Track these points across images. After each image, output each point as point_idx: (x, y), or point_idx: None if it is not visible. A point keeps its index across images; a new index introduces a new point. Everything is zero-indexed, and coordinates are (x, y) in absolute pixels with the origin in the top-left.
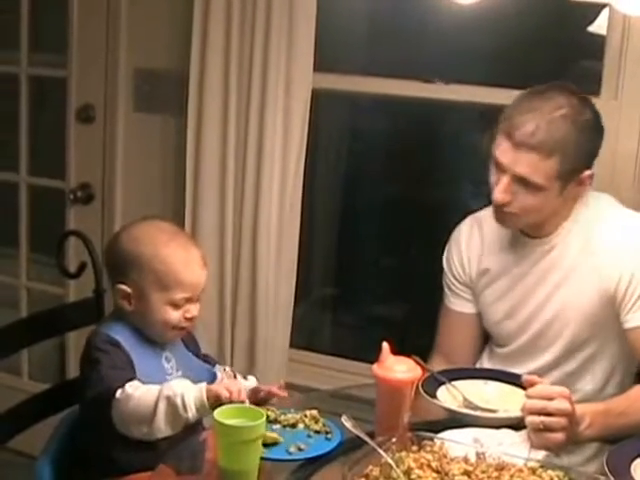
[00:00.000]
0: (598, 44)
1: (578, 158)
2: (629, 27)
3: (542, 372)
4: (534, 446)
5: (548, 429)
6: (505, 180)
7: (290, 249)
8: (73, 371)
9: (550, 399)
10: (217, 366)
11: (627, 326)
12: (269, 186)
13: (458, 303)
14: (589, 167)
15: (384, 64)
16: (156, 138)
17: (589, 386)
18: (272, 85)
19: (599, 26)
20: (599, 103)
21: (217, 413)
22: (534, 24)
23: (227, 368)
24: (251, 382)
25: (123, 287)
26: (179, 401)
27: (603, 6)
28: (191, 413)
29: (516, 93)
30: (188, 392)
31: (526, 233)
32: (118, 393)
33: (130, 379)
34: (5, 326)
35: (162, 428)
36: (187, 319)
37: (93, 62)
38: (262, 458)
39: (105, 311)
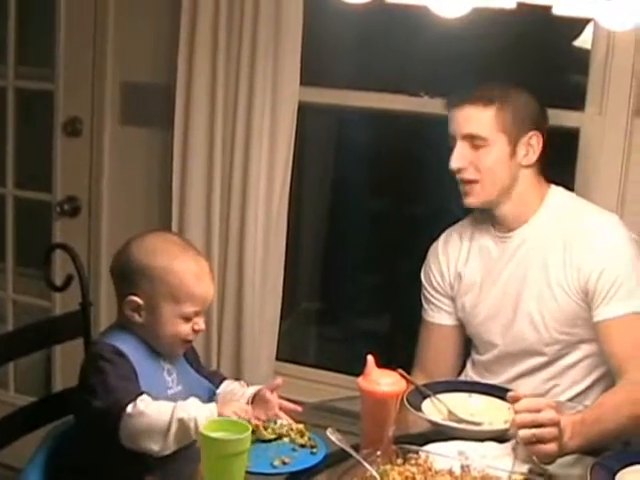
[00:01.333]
0: (583, 59)
1: (518, 113)
2: (614, 42)
3: (523, 376)
4: (525, 458)
5: (540, 441)
6: (457, 146)
7: (276, 263)
8: (60, 384)
9: (538, 411)
10: (225, 381)
11: (595, 320)
12: (255, 199)
13: (437, 316)
14: (536, 129)
15: (370, 78)
16: (143, 151)
17: (574, 386)
18: (258, 98)
19: (584, 41)
20: (584, 118)
21: (204, 426)
22: (519, 38)
23: (242, 382)
24: (254, 388)
25: (134, 298)
26: (192, 425)
27: (588, 21)
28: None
29: None
30: (201, 415)
31: (498, 227)
32: (129, 408)
33: (140, 393)
34: None
35: (172, 447)
36: (195, 331)
37: (80, 75)
38: (246, 472)
39: (92, 324)
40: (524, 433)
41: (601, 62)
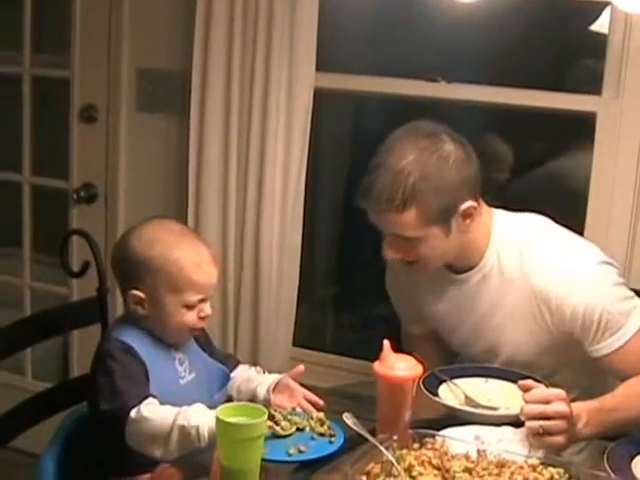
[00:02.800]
0: (600, 43)
1: (441, 198)
2: (631, 26)
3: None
4: (534, 447)
5: (548, 433)
6: (387, 240)
7: (293, 248)
8: (76, 370)
9: (547, 402)
10: (240, 366)
11: (595, 355)
12: (271, 185)
13: (412, 326)
14: (467, 199)
15: (386, 63)
16: (159, 138)
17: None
18: (274, 85)
19: (601, 25)
20: (600, 102)
21: (219, 411)
22: (536, 23)
23: (258, 367)
24: (276, 377)
25: (136, 292)
26: (193, 432)
27: (605, 5)
28: (204, 442)
29: (518, 92)
30: (203, 423)
31: (453, 270)
32: (133, 412)
33: (146, 396)
34: (8, 325)
35: (174, 453)
36: (201, 318)
37: (96, 62)
38: (262, 459)
39: (109, 310)
40: (531, 424)
41: (618, 46)
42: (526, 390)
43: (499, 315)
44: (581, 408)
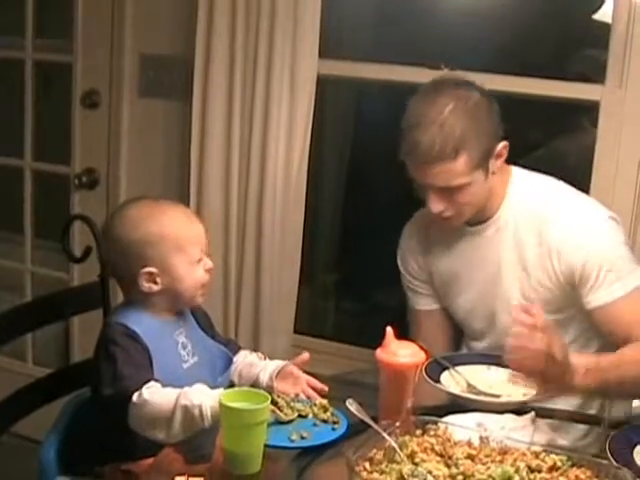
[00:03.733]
0: (603, 32)
1: (484, 141)
2: (634, 15)
3: None
4: (544, 431)
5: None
6: (433, 195)
7: (294, 235)
8: (77, 356)
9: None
10: (241, 352)
11: (589, 307)
12: (274, 172)
13: (421, 302)
14: (500, 140)
15: (390, 50)
16: (161, 123)
17: None
18: (277, 71)
19: (604, 14)
20: (604, 91)
21: (223, 396)
22: (540, 11)
23: (260, 353)
24: (278, 363)
25: (147, 269)
26: (197, 412)
27: None
28: (207, 422)
29: (521, 80)
30: (205, 403)
31: (468, 222)
32: (135, 396)
33: (147, 380)
34: (9, 310)
35: (177, 435)
36: (207, 271)
37: (98, 47)
38: (264, 445)
39: (110, 295)
40: (510, 357)
41: (621, 35)
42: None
43: (510, 267)
44: (580, 360)
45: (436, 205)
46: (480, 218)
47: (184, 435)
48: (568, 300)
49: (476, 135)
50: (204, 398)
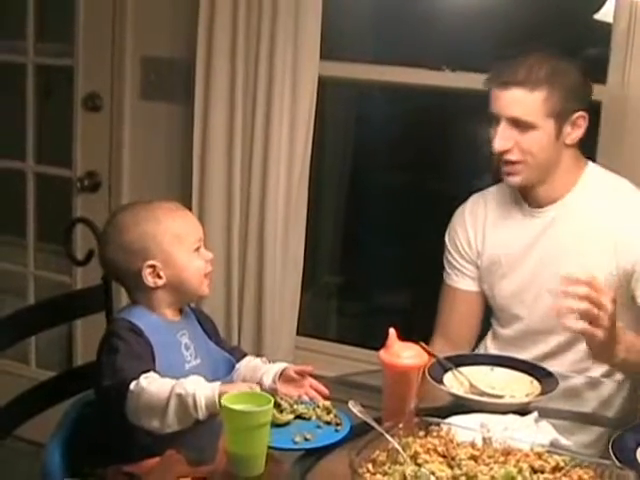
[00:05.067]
0: (605, 31)
1: (566, 95)
2: (636, 14)
3: (550, 356)
4: (547, 431)
5: (590, 321)
6: (501, 127)
7: (297, 237)
8: (81, 359)
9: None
10: (247, 357)
11: None
12: (276, 174)
13: (461, 281)
14: (582, 109)
15: (391, 52)
16: (163, 126)
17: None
18: (279, 73)
19: (606, 13)
20: (605, 90)
21: (225, 398)
22: (541, 11)
23: (264, 358)
24: (281, 365)
25: (150, 262)
26: (190, 400)
27: None
28: (201, 413)
29: None
30: (200, 392)
31: (530, 203)
32: (132, 385)
33: (146, 370)
34: (12, 313)
35: (172, 424)
36: (208, 261)
37: (100, 51)
38: (268, 446)
39: (113, 298)
40: (581, 305)
41: (623, 35)
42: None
43: (564, 255)
44: (627, 335)
45: (501, 139)
46: (546, 200)
47: (178, 425)
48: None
49: (562, 85)
50: (199, 387)
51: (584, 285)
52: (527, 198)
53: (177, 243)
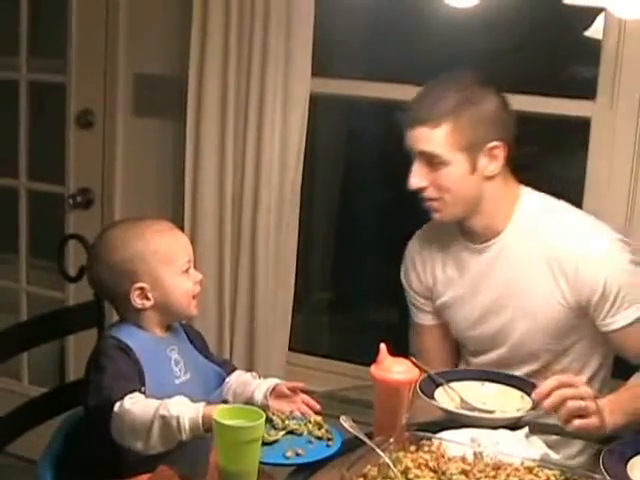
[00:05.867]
0: (594, 49)
1: (476, 126)
2: (625, 32)
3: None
4: (538, 446)
5: (583, 415)
6: (415, 164)
7: (288, 253)
8: (73, 375)
9: (574, 386)
10: (237, 371)
11: (609, 329)
12: (267, 191)
13: (424, 317)
14: (496, 139)
15: (382, 68)
16: (155, 143)
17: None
18: (270, 90)
19: (595, 31)
20: (594, 108)
21: (217, 413)
22: (531, 28)
23: (254, 373)
24: (272, 381)
25: (139, 285)
26: (174, 423)
27: (600, 11)
28: (185, 434)
29: (513, 97)
30: (184, 414)
31: (471, 239)
32: (116, 406)
33: (132, 390)
34: (5, 330)
35: (156, 445)
36: (197, 283)
37: (92, 67)
38: (259, 462)
39: (106, 314)
40: (572, 404)
41: (612, 52)
42: (542, 397)
43: (515, 288)
44: (600, 402)
45: (415, 177)
46: (486, 235)
47: (162, 447)
48: (573, 325)
49: (469, 116)
50: (183, 409)
51: (562, 384)
52: (466, 234)
53: (166, 265)
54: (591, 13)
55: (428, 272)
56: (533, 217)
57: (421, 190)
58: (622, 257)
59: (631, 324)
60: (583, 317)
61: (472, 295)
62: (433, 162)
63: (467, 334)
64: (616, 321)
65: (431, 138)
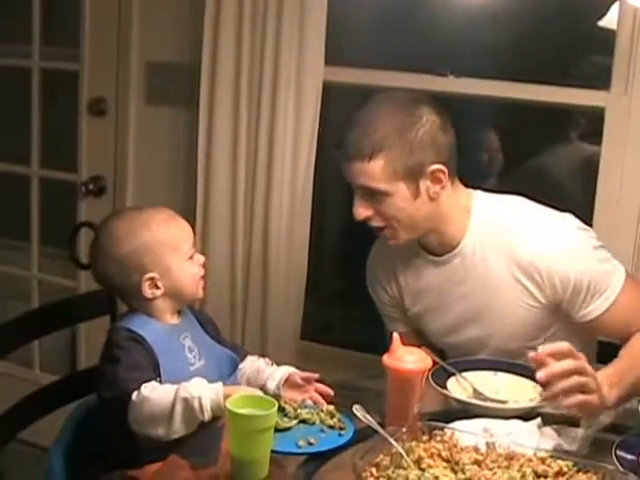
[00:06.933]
0: (609, 39)
1: (410, 154)
2: (639, 21)
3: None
4: (551, 436)
5: (584, 391)
6: (356, 197)
7: (301, 241)
8: (84, 362)
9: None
10: (249, 357)
11: (586, 319)
12: (280, 179)
13: (397, 326)
14: (436, 162)
15: (395, 57)
16: (167, 131)
17: None
18: (283, 78)
19: (609, 20)
20: (609, 97)
21: (229, 402)
22: (545, 18)
23: (267, 359)
24: (286, 370)
25: (149, 275)
26: (196, 403)
27: (614, 0)
28: (207, 415)
29: (526, 87)
30: (205, 394)
31: (431, 252)
32: (134, 395)
33: (147, 380)
34: (16, 317)
35: (178, 429)
36: (200, 265)
37: (105, 55)
38: (271, 450)
39: (117, 303)
40: (571, 381)
41: (626, 42)
42: (539, 362)
43: (483, 297)
44: (600, 375)
45: (359, 209)
46: (443, 247)
47: (185, 430)
48: (549, 322)
49: (401, 145)
50: (203, 390)
51: (564, 356)
52: (425, 247)
53: (173, 253)
54: (605, 3)
55: (393, 284)
56: (489, 221)
57: (368, 219)
58: (587, 247)
59: (604, 312)
60: (557, 311)
61: (442, 307)
62: (374, 194)
63: (443, 341)
64: (590, 312)
65: (367, 172)
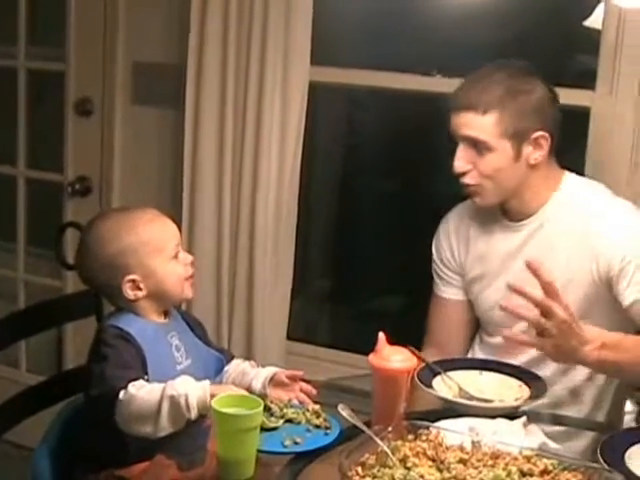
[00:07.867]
0: (594, 38)
1: (521, 116)
2: (624, 21)
3: (535, 363)
4: (536, 435)
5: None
6: (459, 148)
7: (287, 241)
8: (70, 363)
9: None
10: (235, 360)
11: (626, 303)
12: (267, 178)
13: (448, 291)
14: (542, 129)
15: (382, 57)
16: (154, 131)
17: (585, 371)
18: (269, 78)
19: (595, 20)
20: (594, 97)
21: (215, 401)
22: (531, 18)
23: (252, 362)
24: (271, 369)
25: (130, 277)
26: (182, 401)
27: (599, 0)
28: (194, 413)
29: None
30: (192, 392)
31: (509, 216)
32: (121, 394)
33: (135, 379)
34: (2, 318)
35: (165, 427)
36: (187, 265)
37: (91, 55)
38: (257, 450)
39: (103, 303)
40: (529, 313)
41: (612, 41)
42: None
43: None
44: (602, 334)
45: (459, 160)
46: (521, 214)
47: (172, 428)
48: (598, 304)
49: (516, 107)
50: (190, 388)
51: (542, 287)
52: (504, 212)
53: (156, 254)
54: (591, 2)
55: (462, 247)
56: (570, 200)
57: (463, 174)
58: None
59: None
60: (607, 293)
61: (501, 272)
62: (478, 147)
63: (491, 309)
64: (632, 293)
65: (478, 124)
